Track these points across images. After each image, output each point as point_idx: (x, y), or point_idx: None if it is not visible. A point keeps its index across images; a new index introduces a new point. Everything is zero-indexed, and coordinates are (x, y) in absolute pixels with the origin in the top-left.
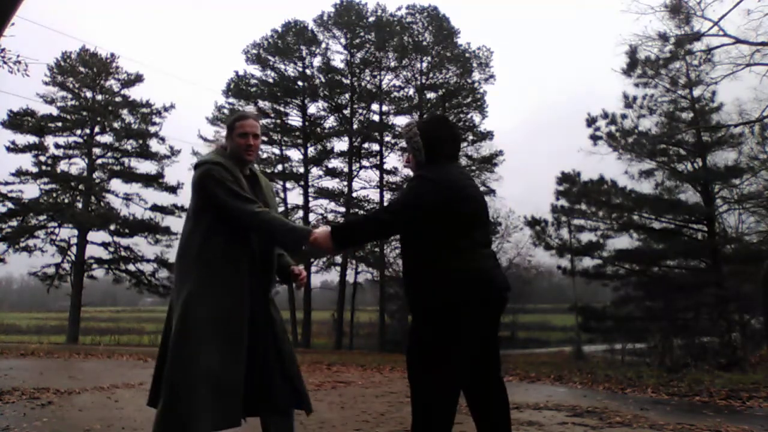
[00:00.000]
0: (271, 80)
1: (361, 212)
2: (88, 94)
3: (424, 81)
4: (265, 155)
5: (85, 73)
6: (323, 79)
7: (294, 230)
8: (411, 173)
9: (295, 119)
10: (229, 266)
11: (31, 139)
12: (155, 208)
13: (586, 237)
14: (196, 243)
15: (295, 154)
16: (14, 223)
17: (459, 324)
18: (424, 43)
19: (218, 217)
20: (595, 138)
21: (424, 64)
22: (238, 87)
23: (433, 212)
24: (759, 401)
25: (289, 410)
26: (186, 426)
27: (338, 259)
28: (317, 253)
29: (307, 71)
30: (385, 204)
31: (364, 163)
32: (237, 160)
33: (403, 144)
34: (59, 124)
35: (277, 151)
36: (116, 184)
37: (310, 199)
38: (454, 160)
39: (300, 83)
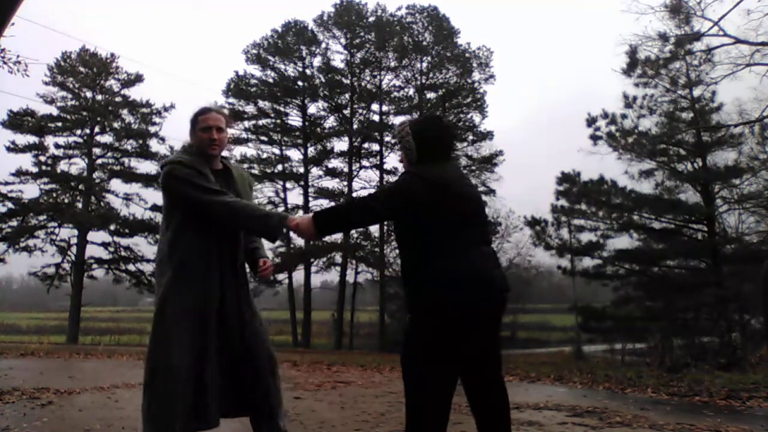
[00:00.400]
0: (271, 80)
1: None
2: (88, 94)
3: (424, 81)
4: (265, 155)
5: (85, 73)
6: (323, 79)
7: (269, 216)
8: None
9: (295, 119)
10: (199, 263)
11: (31, 139)
12: (155, 208)
13: (586, 237)
14: (167, 242)
15: (295, 154)
16: (14, 223)
17: (453, 324)
18: (424, 43)
19: (187, 216)
20: (595, 138)
21: (424, 64)
22: (238, 87)
23: (423, 209)
24: (759, 401)
25: (273, 410)
26: (168, 425)
27: (338, 259)
28: (322, 250)
29: (307, 71)
30: (376, 190)
31: (364, 163)
32: (203, 156)
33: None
34: (59, 124)
35: (277, 151)
36: (116, 184)
37: (310, 199)
38: (446, 159)
39: (300, 83)
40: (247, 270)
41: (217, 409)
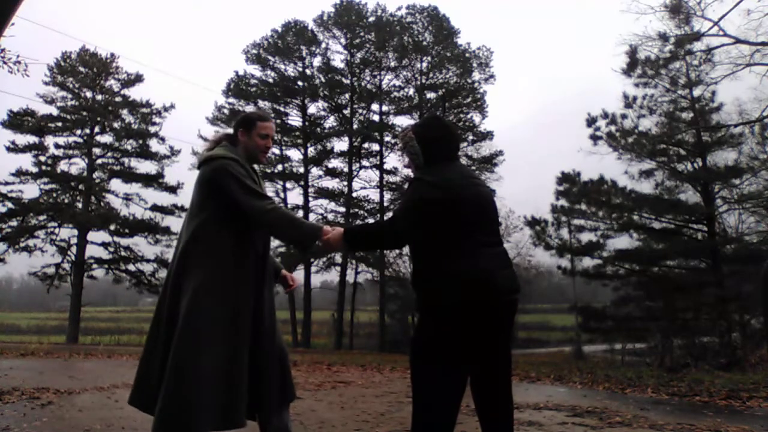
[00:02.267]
0: (271, 80)
1: (361, 212)
2: (88, 94)
3: (424, 81)
4: None
5: (85, 73)
6: (323, 79)
7: (303, 227)
8: (412, 175)
9: (295, 119)
10: (237, 263)
11: (31, 139)
12: (155, 208)
13: (586, 237)
14: (205, 237)
15: (295, 154)
16: (14, 223)
17: (460, 326)
18: (424, 43)
19: (225, 213)
20: (595, 138)
21: (424, 64)
22: (238, 87)
23: (432, 213)
24: (759, 401)
25: (283, 408)
26: (188, 425)
27: (338, 259)
28: (323, 250)
29: (307, 71)
30: (393, 211)
31: (364, 163)
32: (249, 158)
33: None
34: (59, 124)
35: (277, 151)
36: (116, 184)
37: (310, 199)
38: (453, 159)
39: (300, 83)
40: None
41: (245, 409)
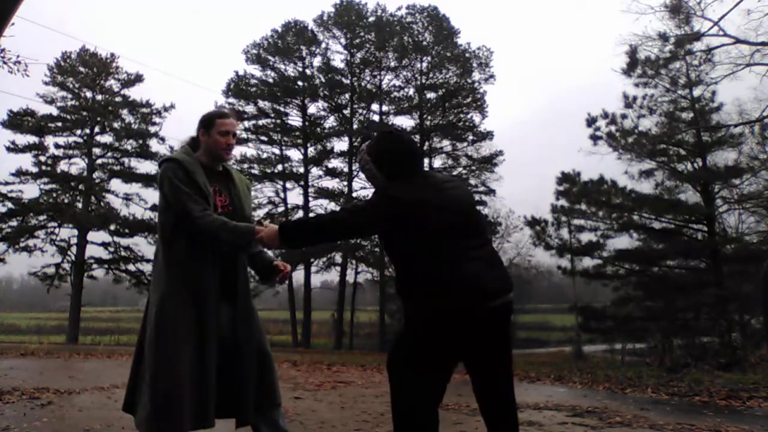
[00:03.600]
0: (271, 80)
1: None
2: (88, 94)
3: (424, 81)
4: (265, 155)
5: (85, 73)
6: (323, 79)
7: (235, 230)
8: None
9: (295, 119)
10: (196, 265)
11: (31, 139)
12: (155, 208)
13: (586, 237)
14: (163, 243)
15: (295, 154)
16: (14, 223)
17: (441, 335)
18: (424, 43)
19: (162, 219)
20: (595, 138)
21: (424, 64)
22: (238, 87)
23: (395, 226)
24: (759, 401)
25: (273, 410)
26: (168, 427)
27: (338, 259)
28: (268, 246)
29: (307, 71)
30: (341, 208)
31: None
32: (211, 157)
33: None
34: (59, 124)
35: (277, 151)
36: (116, 184)
37: (310, 199)
38: (415, 170)
39: (300, 83)
40: (252, 273)
41: (213, 409)
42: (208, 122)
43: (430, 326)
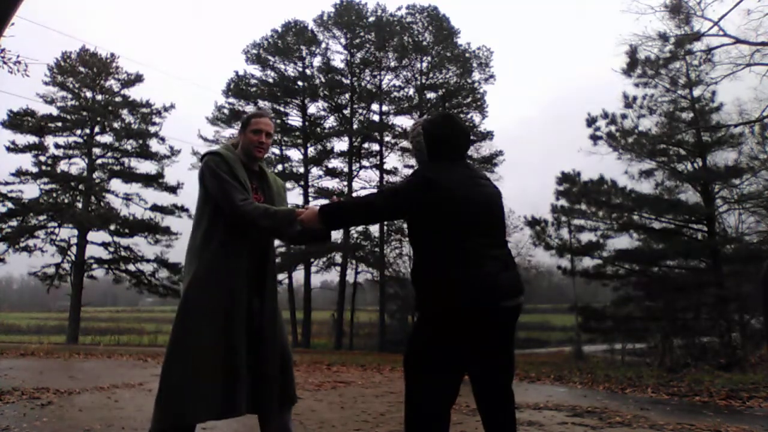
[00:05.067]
0: (271, 80)
1: None
2: (88, 94)
3: (424, 81)
4: (265, 155)
5: (85, 73)
6: (323, 79)
7: (276, 215)
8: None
9: (295, 119)
10: (230, 259)
11: (31, 139)
12: (155, 208)
13: (586, 237)
14: (199, 234)
15: (295, 154)
16: (14, 223)
17: (458, 332)
18: (424, 43)
19: (218, 209)
20: (595, 138)
21: (424, 64)
22: (238, 87)
23: (426, 211)
24: (759, 401)
25: (284, 409)
26: (182, 414)
27: (338, 259)
28: (311, 234)
29: (307, 71)
30: (379, 190)
31: (364, 163)
32: (246, 156)
33: (405, 144)
34: (59, 124)
35: (277, 151)
36: (116, 184)
37: (310, 199)
38: (458, 159)
39: (300, 83)
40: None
41: (244, 398)
42: (244, 121)
43: (447, 323)
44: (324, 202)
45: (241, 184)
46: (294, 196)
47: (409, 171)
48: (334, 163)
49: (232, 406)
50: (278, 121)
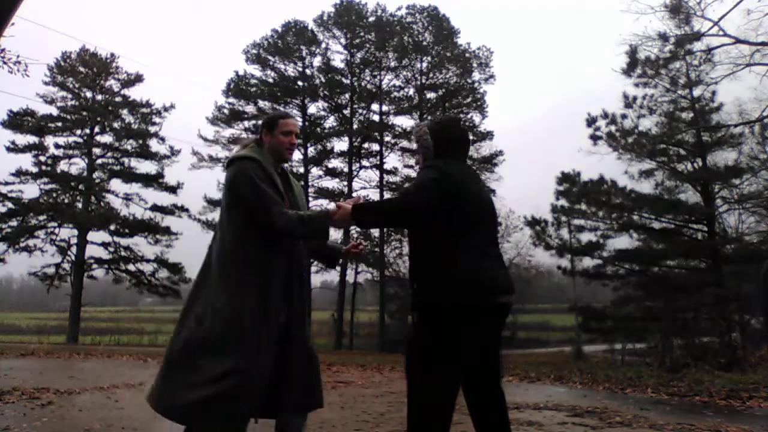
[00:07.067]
0: (271, 80)
1: None
2: (88, 94)
3: (424, 81)
4: None
5: (85, 73)
6: (323, 79)
7: (311, 223)
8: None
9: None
10: (266, 263)
11: (31, 139)
12: (155, 208)
13: (586, 237)
14: (230, 243)
15: (295, 154)
16: (14, 223)
17: (456, 327)
18: (424, 43)
19: (251, 216)
20: (595, 138)
21: (424, 64)
22: (238, 87)
23: (441, 204)
24: (759, 401)
25: (305, 410)
26: (231, 415)
27: None
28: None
29: (307, 71)
30: (404, 189)
31: (364, 163)
32: (275, 158)
33: (404, 144)
34: (59, 124)
35: None
36: (116, 184)
37: (311, 199)
38: (462, 160)
39: (300, 83)
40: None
41: (257, 404)
42: (271, 123)
43: (455, 317)
44: (324, 202)
45: (278, 193)
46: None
47: (409, 171)
48: (334, 163)
49: (255, 410)
50: None
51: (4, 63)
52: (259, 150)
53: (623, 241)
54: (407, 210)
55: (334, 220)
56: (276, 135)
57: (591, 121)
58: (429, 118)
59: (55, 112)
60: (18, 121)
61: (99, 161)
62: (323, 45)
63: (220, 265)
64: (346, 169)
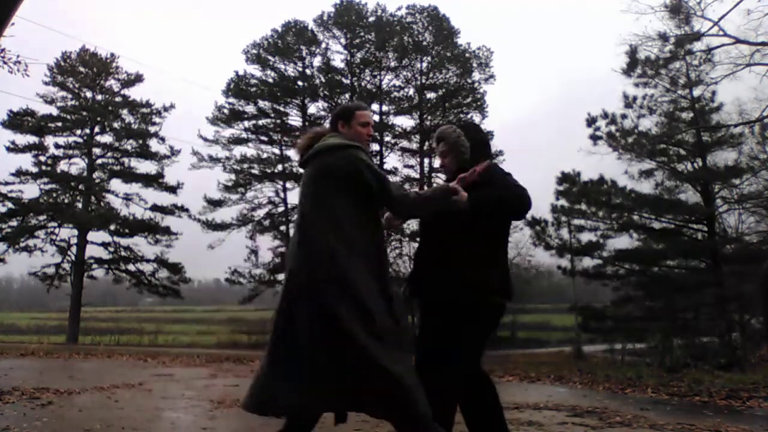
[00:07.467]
0: (271, 80)
1: None
2: (88, 94)
3: (424, 81)
4: (265, 155)
5: (85, 73)
6: (323, 79)
7: (434, 199)
8: (444, 176)
9: (295, 119)
10: (378, 255)
11: (31, 139)
12: (155, 208)
13: (586, 237)
14: (342, 236)
15: (295, 154)
16: (14, 223)
17: (481, 324)
18: (424, 43)
19: (354, 205)
20: (595, 138)
21: (424, 64)
22: (238, 87)
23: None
24: (759, 401)
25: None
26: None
27: None
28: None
29: (307, 71)
30: (505, 186)
31: None
32: None
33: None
34: (59, 124)
35: (277, 151)
36: (116, 184)
37: None
38: None
39: (300, 83)
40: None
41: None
42: (348, 114)
43: (481, 315)
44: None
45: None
46: (294, 196)
47: (410, 171)
48: None
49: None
50: (278, 121)
51: (4, 63)
52: (347, 137)
53: (623, 241)
54: (526, 202)
55: (459, 197)
56: (354, 126)
57: (591, 121)
58: (430, 118)
59: (55, 112)
60: (18, 121)
61: (99, 161)
62: (323, 45)
63: (332, 260)
64: None
